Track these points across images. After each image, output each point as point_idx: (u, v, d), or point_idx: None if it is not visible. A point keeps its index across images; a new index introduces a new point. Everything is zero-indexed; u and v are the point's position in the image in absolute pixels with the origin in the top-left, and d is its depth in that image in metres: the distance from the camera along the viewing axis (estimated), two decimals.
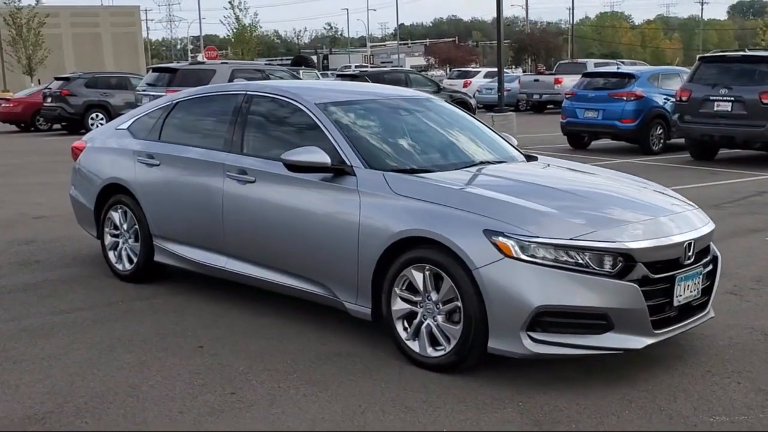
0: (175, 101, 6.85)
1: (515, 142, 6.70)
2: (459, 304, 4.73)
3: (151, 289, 6.74)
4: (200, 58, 47.36)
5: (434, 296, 4.88)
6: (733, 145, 15.78)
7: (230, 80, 18.08)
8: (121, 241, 7.04)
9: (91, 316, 6.07)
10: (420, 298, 4.96)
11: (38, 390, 4.72)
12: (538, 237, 4.56)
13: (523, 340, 4.55)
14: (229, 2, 45.72)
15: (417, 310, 4.99)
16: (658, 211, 5.11)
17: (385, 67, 52.72)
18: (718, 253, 5.41)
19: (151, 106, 7.09)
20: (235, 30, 46.62)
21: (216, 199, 6.08)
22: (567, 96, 19.26)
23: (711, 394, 4.62)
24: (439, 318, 4.88)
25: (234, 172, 5.97)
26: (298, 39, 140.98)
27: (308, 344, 5.45)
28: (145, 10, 50.07)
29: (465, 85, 36.36)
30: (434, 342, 4.92)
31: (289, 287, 5.73)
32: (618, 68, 20.00)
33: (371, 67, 53.88)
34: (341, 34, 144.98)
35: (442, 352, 4.86)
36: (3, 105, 27.09)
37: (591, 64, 33.76)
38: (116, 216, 7.01)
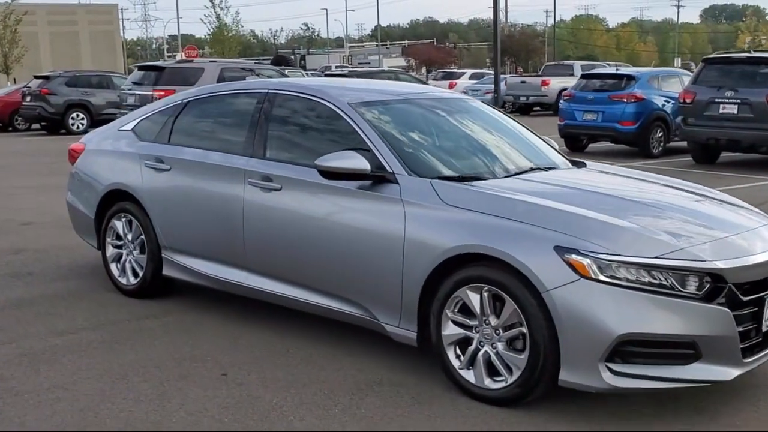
0: (185, 100, 6.27)
1: (556, 146, 6.19)
2: (524, 330, 4.20)
3: (159, 306, 6.16)
4: (179, 57, 46.59)
5: (493, 321, 4.35)
6: (739, 149, 15.39)
7: (219, 79, 17.49)
8: (124, 252, 6.45)
9: (97, 338, 5.48)
10: (476, 323, 4.42)
11: (47, 428, 4.13)
12: (618, 255, 4.04)
13: (601, 372, 4.03)
14: (210, 1, 45.02)
15: (472, 336, 4.45)
16: (739, 226, 4.61)
17: (363, 67, 52.17)
18: None
19: (158, 106, 6.50)
20: (215, 29, 45.89)
21: (235, 208, 5.51)
22: (565, 98, 18.82)
23: None
24: (499, 345, 4.34)
25: (257, 179, 5.40)
26: (274, 39, 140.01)
27: (343, 371, 4.91)
28: (121, 9, 49.13)
29: (450, 87, 35.84)
30: (493, 372, 4.38)
31: (319, 306, 5.18)
32: (617, 70, 19.54)
33: (351, 68, 53.36)
34: (318, 35, 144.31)
35: (503, 384, 4.32)
36: None
37: (578, 66, 33.42)
38: (120, 225, 6.42)
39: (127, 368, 4.93)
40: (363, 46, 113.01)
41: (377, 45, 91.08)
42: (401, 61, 75.59)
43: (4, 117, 26.01)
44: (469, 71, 40.60)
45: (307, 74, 29.39)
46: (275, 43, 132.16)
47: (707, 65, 16.10)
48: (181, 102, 6.28)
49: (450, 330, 4.52)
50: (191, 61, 18.28)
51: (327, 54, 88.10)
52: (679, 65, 58.84)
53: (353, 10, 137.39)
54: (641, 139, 17.23)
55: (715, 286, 4.07)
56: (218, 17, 45.05)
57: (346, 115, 5.19)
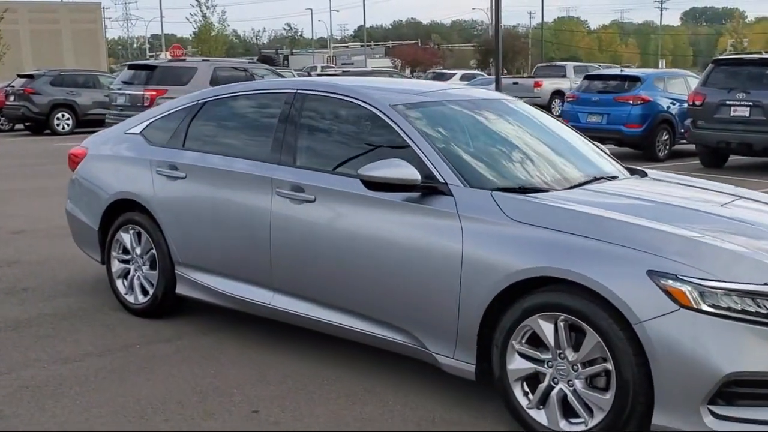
0: (201, 101, 5.69)
1: (607, 151, 5.66)
2: (609, 366, 3.66)
3: (171, 328, 5.58)
4: (163, 56, 45.85)
5: (571, 355, 3.80)
6: (750, 153, 14.94)
7: (212, 78, 16.87)
8: (132, 268, 5.86)
9: (106, 365, 4.90)
10: (549, 356, 3.88)
11: None
12: (722, 281, 3.51)
13: (703, 416, 3.49)
14: (197, 0, 44.27)
15: (544, 371, 3.91)
16: None
17: (346, 68, 51.56)
18: None
19: (170, 107, 5.92)
20: (201, 28, 45.13)
21: (261, 220, 4.94)
22: (568, 99, 18.35)
23: None
24: (578, 383, 3.80)
25: (286, 189, 4.84)
26: (257, 39, 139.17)
27: (388, 407, 4.36)
28: (102, 8, 48.07)
29: None
30: (569, 413, 3.84)
31: (358, 332, 4.62)
32: (622, 71, 19.07)
33: (337, 68, 52.75)
34: (301, 35, 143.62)
35: (582, 427, 3.78)
36: None
37: (570, 68, 33.10)
38: (127, 238, 5.83)
39: (145, 404, 4.36)
40: (347, 47, 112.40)
41: (362, 45, 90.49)
42: (386, 62, 75.03)
43: None
44: (460, 72, 40.11)
45: (295, 74, 28.78)
46: (258, 43, 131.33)
47: (717, 66, 15.66)
48: (196, 103, 5.70)
49: (517, 364, 3.97)
50: (184, 60, 17.65)
51: (312, 54, 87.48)
52: (663, 68, 58.63)
53: (338, 11, 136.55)
54: (647, 142, 16.79)
55: None
56: (204, 16, 44.33)
57: (389, 118, 4.64)
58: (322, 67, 55.98)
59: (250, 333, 5.45)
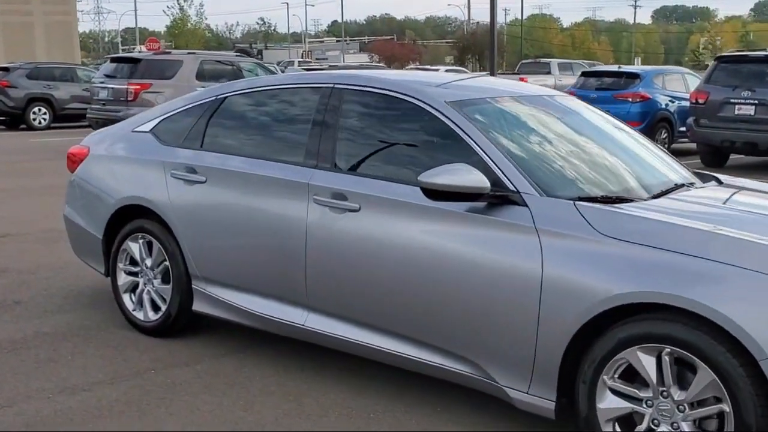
0: (222, 96, 5.10)
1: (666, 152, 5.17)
2: (725, 408, 3.15)
3: (187, 349, 5.00)
4: (138, 50, 44.99)
5: (677, 393, 3.28)
6: (755, 152, 14.56)
7: (198, 72, 16.23)
8: (141, 281, 5.27)
9: (120, 396, 4.32)
10: (649, 395, 3.36)
11: None
12: None
13: None
14: None
15: (642, 412, 3.39)
16: None
17: (320, 63, 50.84)
18: None
19: (185, 103, 5.32)
20: (176, 21, 44.31)
21: (295, 231, 4.39)
22: None
23: None
24: (684, 426, 3.29)
25: (325, 196, 4.28)
26: (230, 33, 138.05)
27: None
28: (76, 1, 46.81)
29: None
30: None
31: (411, 360, 4.08)
32: (619, 68, 18.65)
33: (313, 63, 52.01)
34: (274, 30, 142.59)
35: None
36: None
37: (555, 65, 32.75)
38: (136, 248, 5.24)
39: None
40: (322, 42, 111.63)
41: (338, 40, 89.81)
42: (363, 57, 74.35)
43: None
44: (443, 68, 39.58)
45: (277, 68, 28.11)
46: (231, 38, 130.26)
47: (720, 63, 15.27)
48: (215, 98, 5.11)
49: (609, 402, 3.45)
50: (169, 53, 16.96)
51: (287, 49, 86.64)
52: (639, 65, 58.59)
53: (313, 5, 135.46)
54: None
55: None
56: (182, 9, 43.54)
57: (446, 117, 4.09)
58: (299, 61, 55.26)
59: (275, 355, 4.89)
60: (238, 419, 4.06)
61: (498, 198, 3.75)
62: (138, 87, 15.46)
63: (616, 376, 3.43)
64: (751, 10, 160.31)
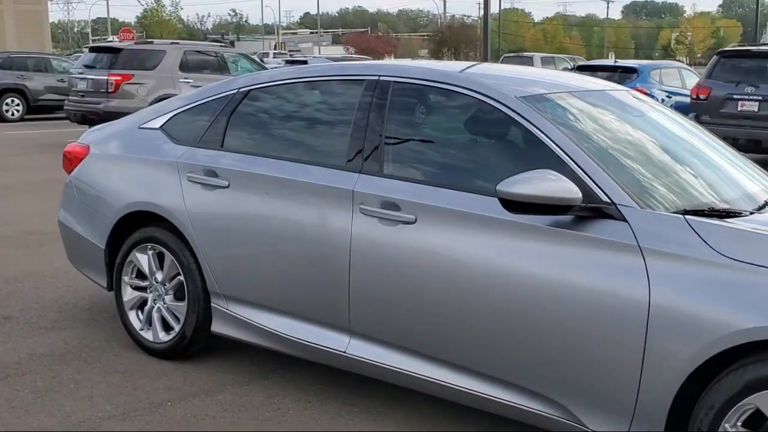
0: (244, 88, 4.51)
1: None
2: None
3: (204, 374, 4.42)
4: (110, 40, 44.02)
5: None
6: (759, 150, 14.15)
7: (182, 63, 15.55)
8: (150, 297, 4.68)
9: None
10: None
11: None
12: None
13: None
14: None
15: None
16: None
17: (293, 56, 50.14)
18: None
19: (198, 96, 4.72)
20: (149, 11, 43.39)
21: (337, 244, 3.82)
22: None
23: None
24: None
25: (374, 205, 3.72)
26: (201, 24, 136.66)
27: None
28: None
29: None
30: None
31: (477, 396, 3.53)
32: (615, 62, 18.18)
33: (289, 55, 51.25)
34: (246, 21, 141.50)
35: None
36: None
37: (538, 58, 32.49)
38: (144, 260, 4.65)
39: None
40: (296, 33, 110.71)
41: (311, 32, 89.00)
42: (339, 50, 73.62)
43: None
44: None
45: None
46: (202, 29, 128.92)
47: (722, 58, 14.84)
48: (237, 91, 4.52)
49: None
50: (151, 43, 16.24)
51: (260, 40, 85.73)
52: (614, 60, 58.56)
53: None
54: None
55: None
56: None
57: (520, 115, 3.53)
58: (274, 53, 54.55)
59: (305, 381, 4.33)
60: None
61: (590, 211, 3.20)
62: (119, 78, 14.75)
63: (738, 424, 2.90)
64: (720, 6, 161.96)
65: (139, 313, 4.75)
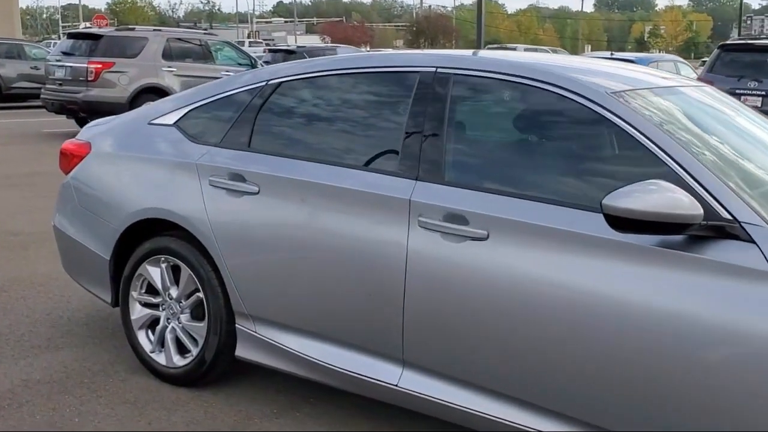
0: (274, 81, 3.96)
1: None
2: None
3: (226, 405, 3.89)
4: (83, 27, 43.10)
5: None
6: None
7: (165, 51, 14.93)
8: (163, 315, 4.13)
9: None
10: None
11: None
12: None
13: None
14: None
15: None
16: None
17: (270, 45, 49.48)
18: None
19: (220, 89, 4.16)
20: None
21: (390, 262, 3.30)
22: None
23: None
24: None
25: (436, 218, 3.20)
26: (173, 12, 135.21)
27: None
28: None
29: None
30: None
31: None
32: (612, 54, 17.75)
33: (266, 44, 50.48)
34: (218, 9, 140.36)
35: None
36: None
37: (521, 50, 31.91)
38: (157, 274, 4.10)
39: None
40: (270, 22, 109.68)
41: (286, 21, 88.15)
42: (315, 39, 72.81)
43: None
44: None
45: None
46: (174, 17, 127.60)
47: (724, 52, 14.46)
48: (265, 84, 3.97)
49: None
50: (133, 29, 15.58)
51: (235, 29, 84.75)
52: (589, 52, 58.38)
53: None
54: None
55: None
56: None
57: (616, 114, 3.03)
58: (250, 42, 53.83)
59: (340, 414, 3.81)
60: None
61: (709, 230, 2.70)
62: (99, 66, 14.12)
63: None
64: (690, 0, 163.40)
65: (150, 333, 4.20)
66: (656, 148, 2.89)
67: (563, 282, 2.92)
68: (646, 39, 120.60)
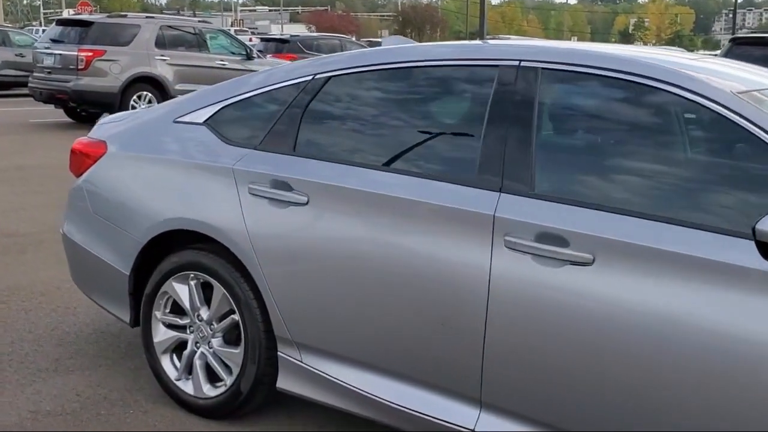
0: (321, 75, 3.47)
1: None
2: None
3: None
4: (65, 14, 42.33)
5: None
6: None
7: (158, 39, 14.39)
8: (191, 338, 3.65)
9: None
10: None
11: None
12: None
13: None
14: None
15: None
16: None
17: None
18: None
19: (259, 83, 3.67)
20: None
21: (469, 287, 2.84)
22: None
23: None
24: None
25: (526, 238, 2.73)
26: (156, 0, 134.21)
27: None
28: None
29: None
30: None
31: None
32: None
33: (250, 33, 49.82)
34: None
35: None
36: None
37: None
38: (184, 292, 3.62)
39: None
40: (254, 11, 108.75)
41: (271, 10, 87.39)
42: (300, 28, 72.06)
43: None
44: (393, 38, 37.98)
45: None
46: (157, 4, 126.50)
47: (735, 45, 14.01)
48: (312, 78, 3.48)
49: None
50: (125, 16, 15.01)
51: (219, 17, 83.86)
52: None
53: None
54: None
55: None
56: None
57: (749, 120, 2.57)
58: (235, 30, 53.11)
59: None
60: None
61: None
62: (90, 54, 13.57)
63: None
64: None
65: (175, 358, 3.72)
66: None
67: (692, 321, 2.46)
68: (631, 32, 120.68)
